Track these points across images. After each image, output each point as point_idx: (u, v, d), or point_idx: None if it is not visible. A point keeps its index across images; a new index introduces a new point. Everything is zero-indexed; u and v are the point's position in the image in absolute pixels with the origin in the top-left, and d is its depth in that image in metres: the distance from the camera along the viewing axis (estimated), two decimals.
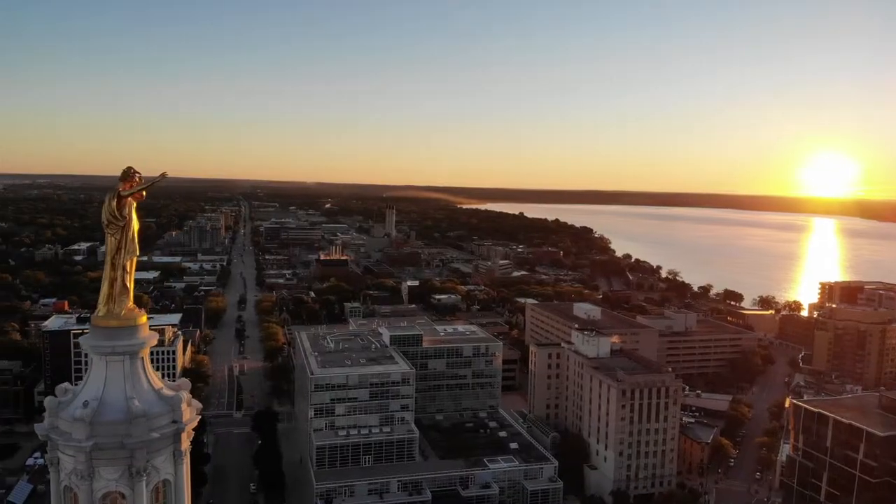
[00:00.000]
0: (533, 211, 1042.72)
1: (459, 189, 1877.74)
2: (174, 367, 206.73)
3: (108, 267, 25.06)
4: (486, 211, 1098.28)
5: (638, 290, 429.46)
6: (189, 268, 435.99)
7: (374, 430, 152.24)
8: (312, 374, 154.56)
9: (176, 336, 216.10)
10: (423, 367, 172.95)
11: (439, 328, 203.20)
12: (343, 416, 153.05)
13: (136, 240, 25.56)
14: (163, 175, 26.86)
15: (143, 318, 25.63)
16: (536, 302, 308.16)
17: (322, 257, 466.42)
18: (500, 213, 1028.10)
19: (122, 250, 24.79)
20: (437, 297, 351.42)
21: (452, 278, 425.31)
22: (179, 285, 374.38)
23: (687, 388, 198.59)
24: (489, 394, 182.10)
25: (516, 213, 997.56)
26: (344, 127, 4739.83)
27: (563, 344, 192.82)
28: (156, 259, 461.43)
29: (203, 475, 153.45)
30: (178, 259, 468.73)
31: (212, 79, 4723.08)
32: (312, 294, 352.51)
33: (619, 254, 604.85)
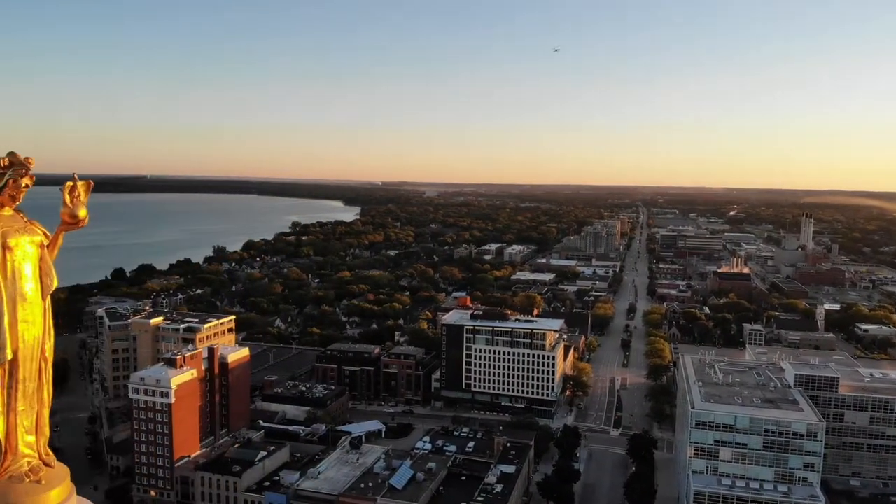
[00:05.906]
0: None
1: None
2: (553, 374, 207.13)
3: None
4: None
5: None
6: (582, 272, 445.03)
7: (766, 486, 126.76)
8: (694, 407, 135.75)
9: (557, 341, 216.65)
10: (836, 419, 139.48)
11: (864, 371, 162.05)
12: (728, 462, 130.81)
13: (43, 315, 11.65)
14: (73, 177, 12.98)
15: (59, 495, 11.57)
16: None
17: (720, 269, 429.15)
18: None
19: None
20: (864, 327, 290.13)
21: (886, 304, 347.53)
22: (571, 289, 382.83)
23: None
24: None
25: None
26: (761, 129, 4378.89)
27: None
28: (552, 262, 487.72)
29: (571, 496, 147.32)
30: (572, 263, 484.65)
31: (613, 85, 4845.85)
32: (706, 310, 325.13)
33: None
